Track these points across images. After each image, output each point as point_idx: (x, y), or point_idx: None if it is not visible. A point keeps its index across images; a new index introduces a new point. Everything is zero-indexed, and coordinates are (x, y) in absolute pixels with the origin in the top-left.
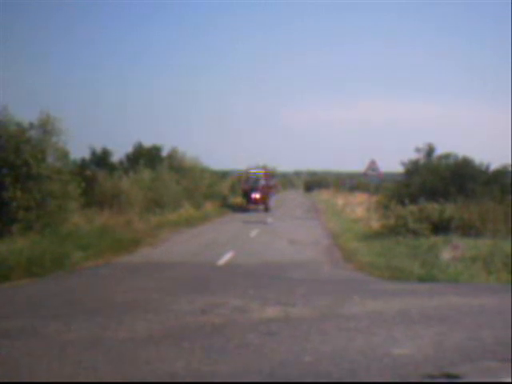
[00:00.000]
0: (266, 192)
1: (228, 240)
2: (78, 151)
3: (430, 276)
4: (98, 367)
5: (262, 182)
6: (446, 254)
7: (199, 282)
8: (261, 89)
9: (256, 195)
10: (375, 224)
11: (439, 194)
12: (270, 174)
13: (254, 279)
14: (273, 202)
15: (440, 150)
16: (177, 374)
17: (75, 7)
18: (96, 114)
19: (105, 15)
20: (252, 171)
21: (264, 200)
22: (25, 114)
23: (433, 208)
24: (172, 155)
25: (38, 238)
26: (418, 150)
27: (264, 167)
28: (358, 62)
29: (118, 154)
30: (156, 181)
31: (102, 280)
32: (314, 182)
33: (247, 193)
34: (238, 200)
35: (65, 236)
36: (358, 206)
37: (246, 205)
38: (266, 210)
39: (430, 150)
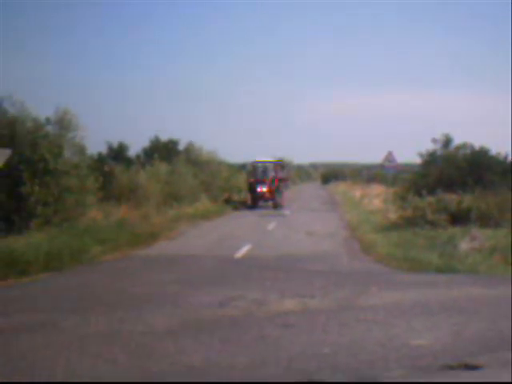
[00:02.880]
0: (276, 185)
1: (245, 233)
2: (95, 146)
3: (448, 267)
4: (116, 360)
5: (271, 174)
6: (465, 245)
7: (217, 274)
8: (279, 81)
9: (263, 189)
10: (393, 215)
11: (457, 184)
12: (280, 164)
13: (272, 272)
14: (284, 197)
15: (457, 141)
16: (195, 367)
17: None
18: (112, 108)
19: (118, 6)
20: (259, 160)
21: (273, 195)
22: (41, 110)
23: (451, 199)
24: (189, 149)
25: (56, 232)
26: (434, 140)
27: (279, 159)
28: (372, 53)
29: (135, 148)
30: (173, 174)
31: (119, 273)
32: (330, 174)
33: (253, 186)
34: (238, 196)
35: (83, 230)
36: (376, 197)
37: (252, 201)
38: (275, 207)
39: (447, 141)
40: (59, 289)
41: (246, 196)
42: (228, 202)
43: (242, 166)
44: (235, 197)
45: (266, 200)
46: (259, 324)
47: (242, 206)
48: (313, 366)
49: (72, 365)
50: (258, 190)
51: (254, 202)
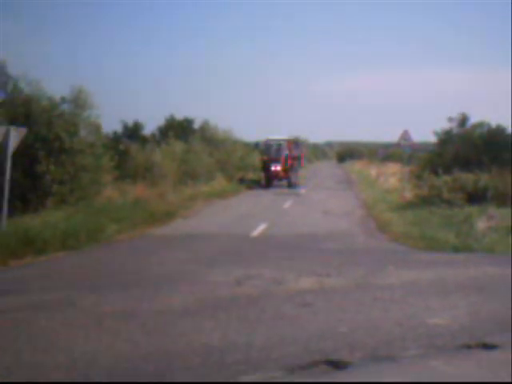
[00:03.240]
0: (290, 164)
1: (261, 211)
2: (110, 125)
3: (465, 246)
4: (134, 339)
5: (285, 152)
6: (481, 224)
7: (234, 253)
8: (295, 59)
9: (277, 167)
10: (409, 194)
11: (473, 163)
12: (294, 142)
13: (289, 250)
14: (299, 176)
15: (473, 119)
16: (212, 346)
17: None
18: (127, 87)
19: None
20: (273, 139)
21: (287, 174)
22: (57, 89)
23: (467, 178)
24: (204, 127)
25: (72, 211)
26: (450, 119)
27: (296, 138)
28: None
29: (150, 126)
30: (188, 153)
31: (136, 252)
32: (346, 153)
33: (266, 165)
34: (253, 175)
35: (98, 209)
36: (391, 176)
37: (266, 180)
38: (290, 186)
39: (464, 119)
40: (76, 267)
41: (260, 175)
42: (242, 181)
43: (255, 145)
44: (249, 176)
45: (281, 179)
46: (276, 303)
47: (256, 185)
48: (330, 345)
49: (90, 343)
50: (272, 168)
51: (268, 181)
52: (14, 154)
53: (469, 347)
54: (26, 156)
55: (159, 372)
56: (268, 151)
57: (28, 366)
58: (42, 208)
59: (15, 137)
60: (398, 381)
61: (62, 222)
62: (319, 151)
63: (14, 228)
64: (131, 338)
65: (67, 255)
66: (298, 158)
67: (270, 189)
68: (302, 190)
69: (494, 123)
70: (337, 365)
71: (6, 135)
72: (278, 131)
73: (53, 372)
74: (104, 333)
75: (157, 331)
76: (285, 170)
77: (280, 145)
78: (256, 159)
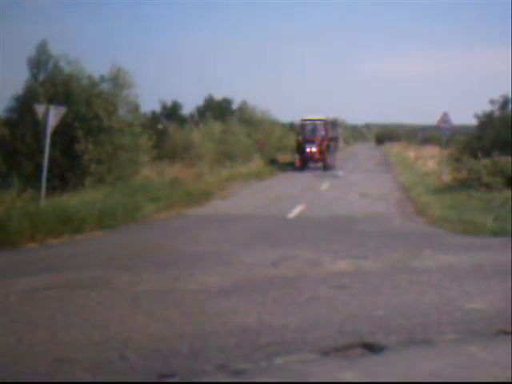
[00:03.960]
0: (326, 145)
1: (298, 193)
2: (149, 104)
3: (503, 230)
4: (169, 318)
5: (321, 133)
6: None
7: (270, 234)
8: (335, 40)
9: (312, 149)
10: (447, 177)
11: None
12: (331, 123)
13: (325, 232)
14: (335, 158)
15: None
16: (247, 327)
17: None
18: (167, 66)
19: None
20: (309, 119)
21: (323, 156)
22: (96, 68)
23: (507, 161)
24: (242, 108)
25: (110, 190)
26: (492, 101)
27: (332, 119)
28: (433, 11)
29: (189, 107)
30: (226, 134)
31: (173, 232)
32: (385, 135)
33: (301, 146)
34: (287, 157)
35: (136, 188)
36: (430, 159)
37: (301, 162)
38: (326, 168)
39: (505, 102)
40: (112, 246)
41: (295, 157)
42: (275, 162)
43: (290, 125)
44: (285, 158)
45: (316, 161)
46: (312, 284)
47: (290, 167)
48: (365, 327)
49: (125, 322)
50: (307, 150)
51: (303, 163)
52: (54, 133)
53: (505, 333)
54: (65, 135)
55: (194, 352)
56: (303, 132)
57: (63, 343)
58: (80, 187)
59: (55, 115)
60: (434, 365)
61: (99, 201)
62: (357, 133)
63: (52, 207)
64: (166, 318)
65: (104, 234)
66: (334, 139)
67: (306, 171)
68: (340, 172)
69: None
70: (372, 348)
71: (46, 114)
72: (316, 112)
73: (87, 350)
74: (139, 312)
75: (192, 311)
76: (320, 152)
77: (316, 125)
78: (294, 140)
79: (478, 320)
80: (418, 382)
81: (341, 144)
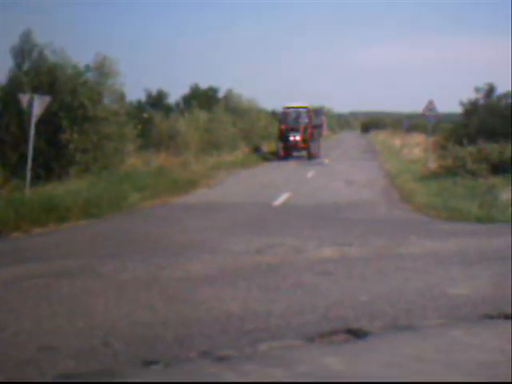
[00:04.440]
0: (310, 133)
1: (284, 181)
2: (134, 93)
3: (488, 217)
4: (154, 306)
5: (305, 121)
6: (505, 195)
7: (255, 222)
8: (322, 28)
9: (296, 137)
10: (433, 165)
11: (499, 134)
12: (315, 110)
13: (311, 220)
14: (320, 146)
15: (500, 90)
16: (232, 314)
17: None
18: (151, 56)
19: None
20: (291, 106)
21: (307, 144)
22: (81, 57)
23: (492, 148)
24: (228, 96)
25: (95, 179)
26: (477, 89)
27: (316, 106)
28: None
29: (174, 95)
30: (212, 122)
31: (158, 220)
32: (370, 123)
33: (284, 134)
34: (272, 145)
35: (121, 177)
36: (416, 146)
37: (284, 151)
38: (310, 157)
39: (490, 90)
40: (98, 235)
41: (278, 145)
42: (258, 151)
43: (273, 113)
44: (269, 146)
45: (300, 150)
46: (297, 271)
47: (273, 156)
48: (350, 313)
49: (110, 310)
50: (291, 138)
51: (287, 151)
52: (38, 123)
53: (490, 318)
54: (50, 124)
55: (178, 339)
56: (286, 120)
57: (48, 331)
58: (65, 176)
59: (39, 105)
60: (418, 350)
61: (84, 190)
62: (343, 121)
63: (37, 196)
64: (151, 305)
65: (89, 223)
66: (318, 127)
67: (290, 159)
68: (325, 160)
69: None
70: (356, 333)
71: (30, 103)
72: (302, 100)
73: (72, 338)
74: (124, 300)
75: (177, 298)
76: (304, 140)
77: (299, 113)
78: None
79: (463, 305)
80: (402, 366)
81: (325, 132)
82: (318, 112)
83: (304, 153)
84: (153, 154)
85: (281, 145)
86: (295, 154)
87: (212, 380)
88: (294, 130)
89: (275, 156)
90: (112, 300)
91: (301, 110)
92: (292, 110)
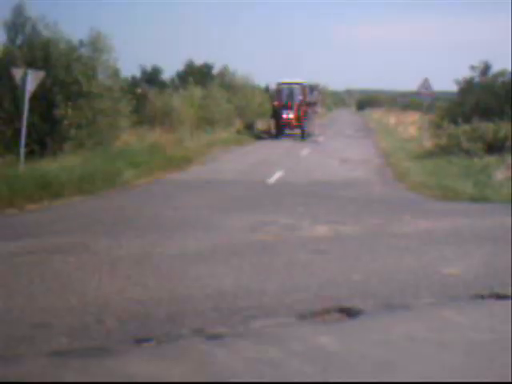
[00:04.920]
0: (304, 111)
1: (279, 159)
2: (129, 69)
3: (482, 196)
4: (147, 283)
5: (299, 97)
6: (500, 175)
7: (249, 200)
8: (314, 4)
9: (289, 115)
10: (427, 143)
11: (494, 113)
12: (309, 87)
13: (305, 198)
14: (314, 124)
15: (496, 68)
16: (225, 291)
17: None
18: (146, 31)
19: None
20: (285, 82)
21: (301, 122)
22: (75, 32)
23: (487, 127)
24: (223, 73)
25: (90, 155)
26: (472, 68)
27: (310, 82)
28: None
29: (169, 71)
30: (207, 99)
31: (152, 197)
32: (365, 101)
33: (277, 112)
34: (264, 125)
35: (116, 154)
36: (411, 125)
37: (277, 129)
38: (303, 136)
39: (486, 68)
40: (92, 212)
41: (270, 123)
42: (250, 128)
43: (266, 89)
44: (263, 124)
45: (293, 128)
46: (290, 249)
47: (266, 134)
48: (343, 292)
49: (103, 287)
50: (284, 116)
51: (279, 130)
52: (32, 98)
53: (482, 297)
54: (44, 100)
55: (170, 316)
56: (279, 96)
57: (41, 308)
58: (59, 152)
59: (33, 80)
60: (410, 329)
61: (78, 166)
62: (338, 99)
63: (30, 172)
64: (144, 282)
65: (83, 199)
66: (312, 105)
67: (285, 137)
68: (320, 138)
69: None
70: (349, 312)
71: (24, 78)
72: (297, 77)
73: (65, 315)
74: (117, 276)
75: (170, 276)
76: (297, 118)
77: (293, 89)
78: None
79: (455, 285)
80: (394, 345)
81: (320, 109)
82: (312, 89)
83: (297, 131)
84: (147, 130)
85: (273, 122)
86: (288, 131)
87: (204, 358)
88: (288, 107)
89: (268, 134)
90: (105, 277)
91: (295, 86)
92: (286, 86)
